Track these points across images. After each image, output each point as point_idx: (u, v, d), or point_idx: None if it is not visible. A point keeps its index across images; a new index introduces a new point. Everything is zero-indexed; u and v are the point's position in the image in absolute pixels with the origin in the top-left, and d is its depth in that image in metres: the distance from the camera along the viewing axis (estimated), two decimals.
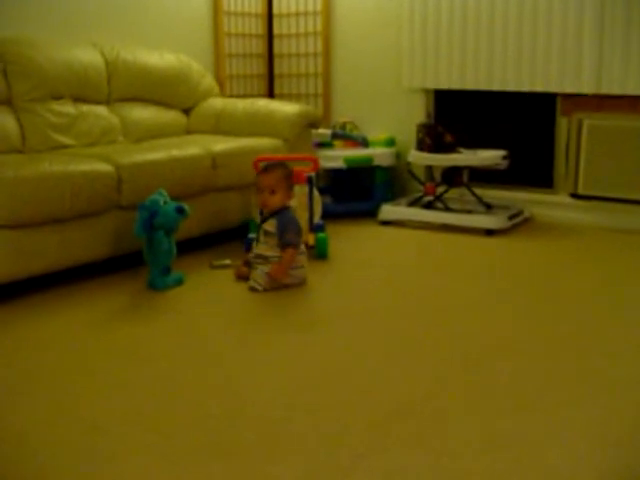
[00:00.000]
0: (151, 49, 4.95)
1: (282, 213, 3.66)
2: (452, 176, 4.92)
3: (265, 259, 3.63)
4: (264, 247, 3.65)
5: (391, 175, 5.42)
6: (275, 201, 3.65)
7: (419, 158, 4.98)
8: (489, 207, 4.93)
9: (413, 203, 5.10)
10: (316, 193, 4.28)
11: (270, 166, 3.76)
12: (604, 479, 1.97)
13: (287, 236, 3.60)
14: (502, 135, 5.21)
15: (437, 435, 2.20)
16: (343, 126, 5.58)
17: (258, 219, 3.83)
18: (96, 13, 4.77)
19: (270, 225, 3.64)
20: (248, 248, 4.05)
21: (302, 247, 3.71)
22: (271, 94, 5.95)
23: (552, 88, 4.86)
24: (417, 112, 5.47)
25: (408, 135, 5.32)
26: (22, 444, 2.18)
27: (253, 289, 3.60)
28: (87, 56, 4.48)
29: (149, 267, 3.65)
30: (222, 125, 4.97)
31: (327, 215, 4.64)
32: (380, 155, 5.27)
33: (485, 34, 5.01)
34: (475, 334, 3.03)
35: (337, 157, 5.18)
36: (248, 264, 3.75)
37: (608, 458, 2.07)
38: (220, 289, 3.65)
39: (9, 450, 2.16)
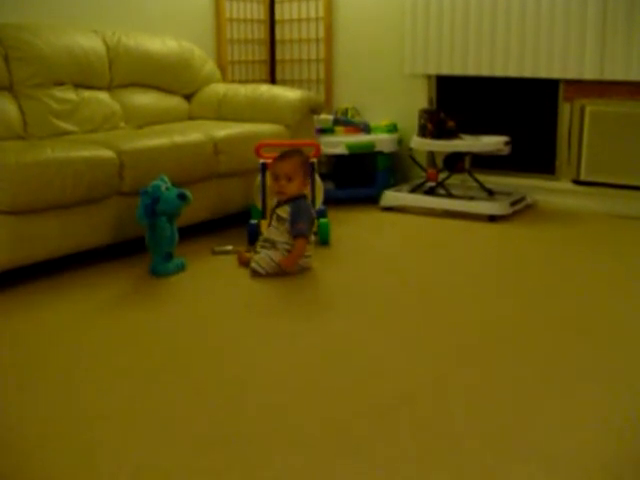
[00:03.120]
0: (153, 35, 4.93)
1: (297, 201, 3.65)
2: (454, 162, 4.92)
3: (273, 244, 3.63)
4: (274, 232, 3.65)
5: (393, 161, 5.42)
6: (292, 188, 3.64)
7: (421, 144, 4.97)
8: (491, 193, 4.92)
9: (415, 189, 5.09)
10: (318, 179, 4.28)
11: (286, 153, 3.73)
12: (608, 468, 1.97)
13: (299, 226, 3.59)
14: (504, 121, 5.20)
15: (439, 423, 2.21)
16: (345, 112, 5.57)
17: (272, 205, 3.78)
18: None
19: (283, 211, 3.63)
20: (251, 234, 4.05)
21: (311, 237, 3.72)
22: (273, 80, 5.94)
23: (555, 74, 4.85)
24: (419, 98, 5.46)
25: (410, 121, 5.30)
26: (25, 433, 2.19)
27: (255, 272, 3.60)
28: (88, 42, 4.47)
29: (151, 253, 3.66)
30: (224, 111, 4.97)
31: (329, 201, 4.63)
32: (382, 141, 5.26)
33: (487, 20, 4.99)
34: (477, 320, 3.03)
35: (339, 143, 5.17)
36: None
37: (612, 447, 2.07)
38: (222, 275, 3.65)
39: (12, 439, 2.16)
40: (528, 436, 2.11)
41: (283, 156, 3.72)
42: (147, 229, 3.63)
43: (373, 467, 1.97)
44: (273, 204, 3.77)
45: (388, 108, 5.62)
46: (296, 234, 3.59)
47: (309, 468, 1.98)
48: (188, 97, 5.12)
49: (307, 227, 3.62)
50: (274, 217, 3.68)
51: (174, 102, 4.99)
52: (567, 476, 1.92)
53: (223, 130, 4.40)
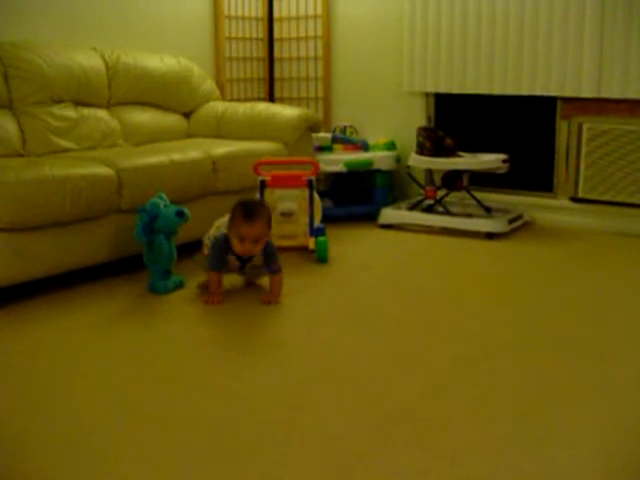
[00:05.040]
0: (152, 53, 4.96)
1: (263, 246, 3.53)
2: (452, 180, 4.93)
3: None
4: (250, 275, 3.70)
5: (391, 179, 5.42)
6: (259, 248, 3.45)
7: (419, 162, 4.98)
8: (489, 211, 4.93)
9: (413, 207, 5.10)
10: (316, 197, 4.28)
11: (252, 213, 3.39)
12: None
13: (273, 266, 3.53)
14: (502, 139, 5.22)
15: (437, 438, 2.20)
16: (343, 130, 5.59)
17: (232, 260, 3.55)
18: (97, 17, 4.78)
19: (257, 260, 3.54)
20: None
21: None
22: (271, 98, 5.96)
23: (552, 92, 4.87)
24: (417, 116, 5.48)
25: (408, 139, 5.32)
26: (22, 446, 2.18)
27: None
28: (88, 60, 4.49)
29: (149, 271, 3.66)
30: (222, 129, 4.98)
31: (327, 219, 4.64)
32: (380, 159, 5.27)
33: (485, 38, 5.01)
34: (475, 337, 3.03)
35: (337, 161, 5.18)
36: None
37: (609, 460, 2.07)
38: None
39: (9, 451, 2.16)
40: (526, 449, 2.11)
41: (250, 217, 3.37)
42: (145, 246, 3.63)
43: None
44: (231, 258, 3.54)
45: (386, 126, 5.63)
46: (273, 273, 3.54)
47: None
48: (187, 115, 5.14)
49: (278, 262, 3.56)
50: (247, 267, 3.59)
51: (173, 120, 5.01)
52: None
53: (221, 148, 4.41)
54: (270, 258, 3.52)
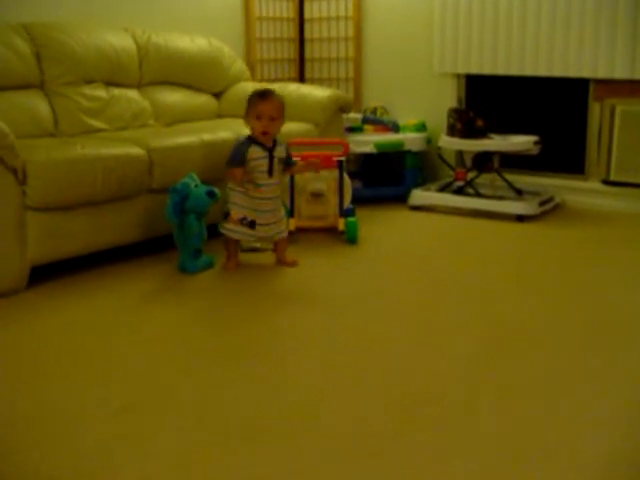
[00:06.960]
0: (182, 33, 4.96)
1: (282, 142, 3.78)
2: (483, 161, 4.90)
3: (273, 203, 3.75)
4: (276, 176, 3.74)
5: (422, 160, 5.40)
6: (276, 127, 3.70)
7: (450, 143, 4.96)
8: (520, 193, 4.90)
9: (443, 188, 5.08)
10: (346, 177, 4.28)
11: (266, 93, 3.72)
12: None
13: (292, 157, 3.85)
14: (534, 120, 5.18)
15: (464, 420, 2.21)
16: (374, 111, 5.57)
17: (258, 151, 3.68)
18: None
19: (280, 152, 3.74)
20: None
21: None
22: (302, 78, 5.95)
23: (585, 73, 4.82)
24: (448, 97, 5.45)
25: (439, 120, 5.30)
26: (54, 422, 2.22)
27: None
28: (119, 40, 4.51)
29: (180, 250, 3.68)
30: None
31: (357, 200, 4.63)
32: (411, 140, 5.25)
33: (517, 18, 4.97)
34: (504, 321, 3.02)
35: (368, 142, 5.16)
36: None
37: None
38: (249, 271, 3.67)
39: (42, 428, 2.19)
40: (555, 432, 2.10)
41: (263, 96, 3.70)
42: (176, 226, 3.65)
43: (393, 466, 1.97)
44: (255, 151, 3.68)
45: (417, 107, 5.61)
46: (294, 164, 3.86)
47: (333, 464, 1.98)
48: (217, 95, 5.15)
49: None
50: (274, 162, 3.70)
51: (203, 100, 5.02)
52: (594, 476, 1.92)
53: None
54: (289, 153, 3.81)
